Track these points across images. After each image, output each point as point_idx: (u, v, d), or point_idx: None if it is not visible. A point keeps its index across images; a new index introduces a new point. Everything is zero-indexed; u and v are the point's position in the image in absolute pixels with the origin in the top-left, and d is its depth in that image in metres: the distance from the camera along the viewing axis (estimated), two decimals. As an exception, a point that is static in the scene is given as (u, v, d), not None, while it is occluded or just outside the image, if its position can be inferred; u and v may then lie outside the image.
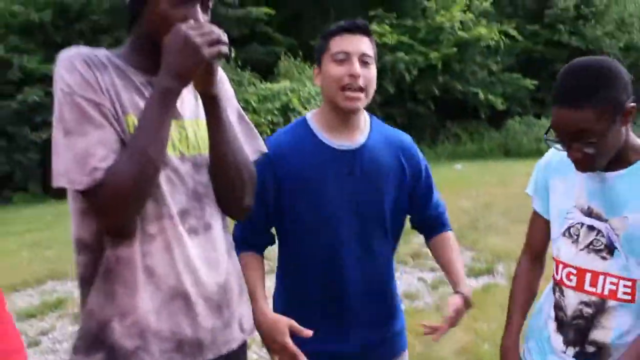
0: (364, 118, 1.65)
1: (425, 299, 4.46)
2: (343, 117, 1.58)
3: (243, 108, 1.49)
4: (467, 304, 1.57)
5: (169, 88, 1.14)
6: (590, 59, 1.29)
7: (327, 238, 1.59)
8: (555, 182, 1.48)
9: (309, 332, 1.46)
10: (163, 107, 1.14)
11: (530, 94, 15.99)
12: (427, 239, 1.80)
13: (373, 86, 1.57)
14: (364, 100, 1.55)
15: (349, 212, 1.59)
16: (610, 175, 1.34)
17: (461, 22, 14.71)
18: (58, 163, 1.12)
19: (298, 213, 1.59)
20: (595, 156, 1.27)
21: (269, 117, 11.73)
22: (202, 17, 1.21)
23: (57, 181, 1.12)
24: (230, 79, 1.53)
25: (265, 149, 1.45)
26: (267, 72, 14.17)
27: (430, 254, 1.83)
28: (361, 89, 1.53)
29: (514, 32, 15.42)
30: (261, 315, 1.50)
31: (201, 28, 1.13)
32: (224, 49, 1.15)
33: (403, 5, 15.74)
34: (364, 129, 1.64)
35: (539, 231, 1.58)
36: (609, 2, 16.56)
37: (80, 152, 1.10)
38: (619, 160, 1.32)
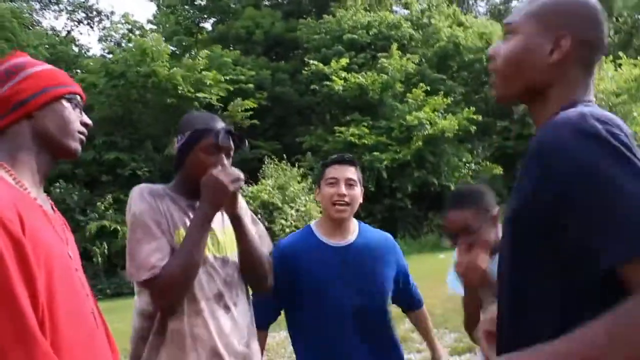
0: (353, 224, 2.19)
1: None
2: (335, 223, 2.13)
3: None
4: None
5: (206, 214, 1.67)
6: (470, 185, 2.16)
7: (328, 312, 2.06)
8: None
9: None
10: (202, 226, 1.66)
11: (505, 183, 16.71)
12: (406, 311, 2.37)
13: (357, 201, 2.12)
14: (349, 212, 2.09)
15: (346, 292, 2.05)
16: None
17: (429, 121, 15.75)
18: (130, 266, 1.63)
19: (305, 294, 2.08)
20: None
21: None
22: (227, 162, 1.74)
23: (129, 277, 1.64)
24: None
25: (271, 247, 1.95)
26: (252, 176, 14.86)
27: (416, 338, 2.45)
28: (347, 204, 2.07)
29: (476, 117, 16.37)
30: None
31: (226, 170, 1.68)
32: (242, 184, 1.71)
33: (378, 109, 16.87)
34: (354, 232, 2.17)
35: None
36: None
37: (144, 255, 1.61)
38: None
